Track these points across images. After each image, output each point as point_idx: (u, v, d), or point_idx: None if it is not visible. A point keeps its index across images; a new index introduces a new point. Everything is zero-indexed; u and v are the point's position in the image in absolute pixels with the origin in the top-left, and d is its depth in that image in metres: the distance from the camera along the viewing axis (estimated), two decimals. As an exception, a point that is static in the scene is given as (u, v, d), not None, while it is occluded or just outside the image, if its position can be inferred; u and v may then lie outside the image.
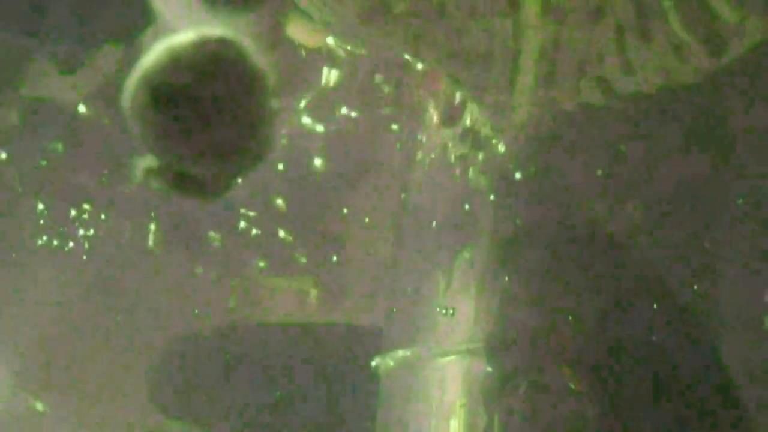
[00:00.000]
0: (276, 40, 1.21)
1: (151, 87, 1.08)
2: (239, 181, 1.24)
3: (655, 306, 2.09)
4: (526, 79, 1.73)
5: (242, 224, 3.30)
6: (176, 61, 1.08)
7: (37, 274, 3.13)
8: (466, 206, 2.31)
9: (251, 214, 3.31)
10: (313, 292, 3.46)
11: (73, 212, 3.04)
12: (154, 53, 1.09)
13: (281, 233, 3.31)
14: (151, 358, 3.30)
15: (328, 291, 3.45)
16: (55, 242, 3.10)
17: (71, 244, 3.10)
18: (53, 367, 3.24)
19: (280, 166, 3.13)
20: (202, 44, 1.09)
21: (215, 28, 1.11)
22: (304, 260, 3.36)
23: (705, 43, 1.63)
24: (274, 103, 1.13)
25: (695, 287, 2.09)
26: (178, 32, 1.10)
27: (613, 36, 1.64)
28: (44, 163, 2.81)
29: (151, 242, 3.29)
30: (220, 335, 3.32)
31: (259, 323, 3.37)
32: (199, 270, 3.45)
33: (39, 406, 3.27)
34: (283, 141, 3.09)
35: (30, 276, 3.12)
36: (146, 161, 1.16)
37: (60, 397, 3.27)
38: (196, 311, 3.40)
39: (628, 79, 1.73)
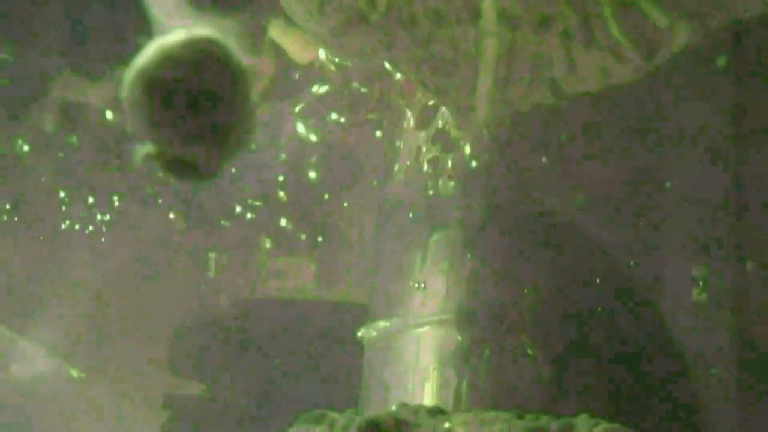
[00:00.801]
0: (257, 40, 1.16)
1: (146, 81, 1.03)
2: (227, 165, 1.20)
3: (599, 280, 2.05)
4: (486, 81, 1.68)
5: (250, 214, 3.25)
6: (168, 58, 1.04)
7: (64, 254, 3.07)
8: (437, 199, 2.29)
9: (257, 204, 3.26)
10: (311, 272, 3.41)
11: (90, 199, 2.98)
12: (148, 51, 1.05)
13: (283, 221, 3.26)
14: (169, 330, 3.25)
15: (324, 271, 3.40)
16: (77, 226, 3.04)
17: (90, 227, 3.04)
18: (84, 339, 3.19)
19: (282, 163, 3.08)
20: (190, 43, 1.05)
21: (203, 29, 1.07)
22: (302, 244, 3.31)
23: (639, 46, 1.57)
24: (254, 96, 1.09)
25: (635, 263, 2.04)
26: (170, 33, 1.06)
27: (561, 42, 1.59)
28: (61, 155, 2.73)
29: (170, 228, 3.24)
30: (229, 309, 3.29)
31: (263, 299, 3.33)
32: (212, 253, 3.40)
33: (74, 373, 3.23)
34: (283, 142, 3.05)
35: (58, 256, 3.07)
36: (145, 148, 1.12)
37: (91, 364, 3.24)
38: (210, 289, 3.35)
39: (574, 80, 1.68)
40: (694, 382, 1.96)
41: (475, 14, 1.57)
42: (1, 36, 2.19)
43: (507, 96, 1.70)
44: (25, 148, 2.69)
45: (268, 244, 3.31)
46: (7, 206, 2.95)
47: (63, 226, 3.09)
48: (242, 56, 1.06)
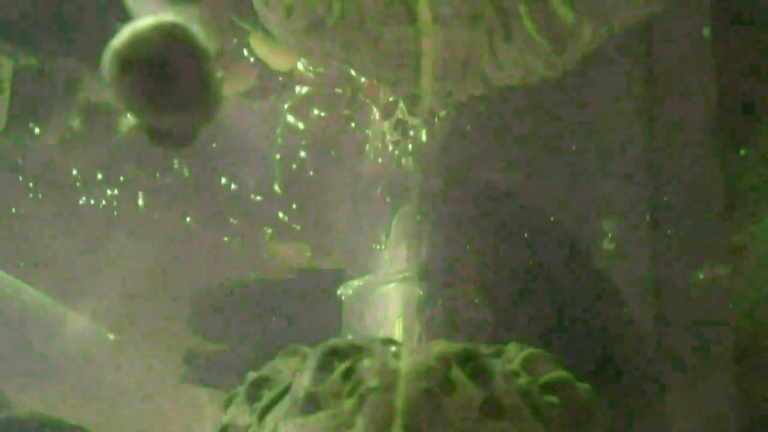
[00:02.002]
0: (216, 27, 1.15)
1: (121, 59, 1.02)
2: (199, 134, 1.18)
3: (532, 239, 2.04)
4: (426, 74, 1.65)
5: (253, 206, 3.22)
6: (139, 40, 1.03)
7: (104, 239, 3.01)
8: (401, 173, 2.29)
9: (258, 199, 3.23)
10: (308, 251, 3.38)
11: (99, 176, 2.90)
12: (122, 34, 1.04)
13: (280, 214, 3.23)
14: (190, 298, 3.23)
15: (318, 249, 3.37)
16: (92, 201, 2.97)
17: (104, 202, 2.97)
18: (119, 309, 3.17)
19: (278, 157, 3.06)
20: (159, 27, 1.04)
21: (169, 16, 1.06)
22: (298, 228, 3.28)
23: (551, 42, 1.55)
24: (218, 73, 1.08)
25: (562, 223, 2.04)
26: (141, 18, 1.05)
27: (486, 39, 1.57)
28: (68, 136, 2.65)
29: (190, 219, 3.21)
30: (240, 282, 3.27)
31: (267, 273, 3.31)
32: (226, 239, 3.36)
33: (111, 336, 3.20)
34: (279, 140, 3.03)
35: (80, 230, 3.01)
36: (129, 120, 1.11)
37: (124, 327, 3.21)
38: (223, 265, 3.32)
39: (499, 74, 1.65)
40: (611, 319, 1.95)
41: (414, 16, 1.55)
42: (28, 44, 2.15)
43: (445, 87, 1.68)
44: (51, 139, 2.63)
45: (269, 230, 3.29)
46: (55, 196, 2.90)
47: (104, 216, 3.04)
48: (204, 39, 1.05)
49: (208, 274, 3.28)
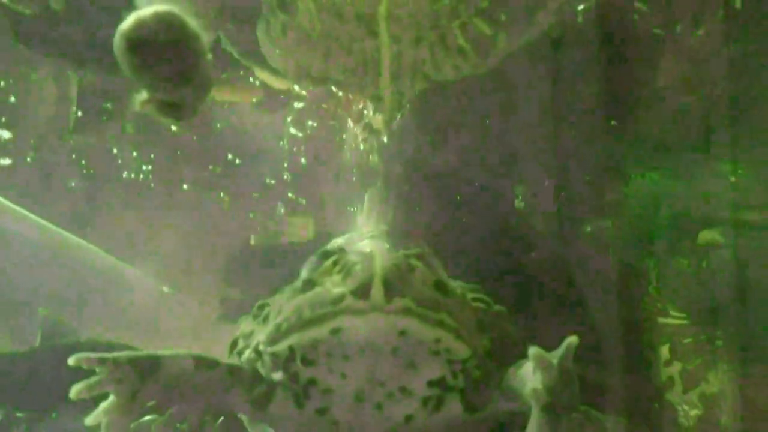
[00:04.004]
0: (209, 17, 1.07)
1: (126, 39, 0.94)
2: (198, 107, 1.10)
3: (467, 206, 1.98)
4: (385, 78, 1.58)
5: (270, 189, 3.13)
6: (141, 24, 0.95)
7: (133, 199, 2.86)
8: (369, 167, 2.22)
9: (272, 182, 3.13)
10: (311, 223, 3.29)
11: (134, 153, 2.78)
12: (128, 20, 0.96)
13: (290, 193, 3.14)
14: (222, 258, 3.13)
15: (319, 222, 3.29)
16: (132, 175, 2.85)
17: (141, 176, 2.86)
18: (170, 265, 3.07)
19: (284, 154, 2.98)
20: (158, 14, 0.96)
21: (166, 6, 0.98)
22: (303, 205, 3.19)
23: (475, 49, 1.49)
24: (208, 56, 1.00)
25: (488, 193, 1.97)
26: (144, 8, 0.97)
27: (429, 49, 1.50)
28: (104, 118, 2.52)
29: (222, 201, 3.11)
30: (259, 245, 3.18)
31: (279, 240, 3.21)
32: (250, 214, 3.27)
33: (165, 289, 3.10)
34: (284, 144, 2.96)
35: (126, 200, 2.89)
36: (141, 95, 1.03)
37: (174, 281, 3.12)
38: (247, 234, 3.23)
39: (437, 73, 1.58)
40: (522, 260, 1.89)
41: (375, 34, 1.48)
42: (88, 65, 2.05)
43: (398, 87, 1.61)
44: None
45: (282, 207, 3.21)
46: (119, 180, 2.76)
47: (158, 195, 2.93)
48: (195, 26, 0.97)
49: (236, 240, 3.20)
